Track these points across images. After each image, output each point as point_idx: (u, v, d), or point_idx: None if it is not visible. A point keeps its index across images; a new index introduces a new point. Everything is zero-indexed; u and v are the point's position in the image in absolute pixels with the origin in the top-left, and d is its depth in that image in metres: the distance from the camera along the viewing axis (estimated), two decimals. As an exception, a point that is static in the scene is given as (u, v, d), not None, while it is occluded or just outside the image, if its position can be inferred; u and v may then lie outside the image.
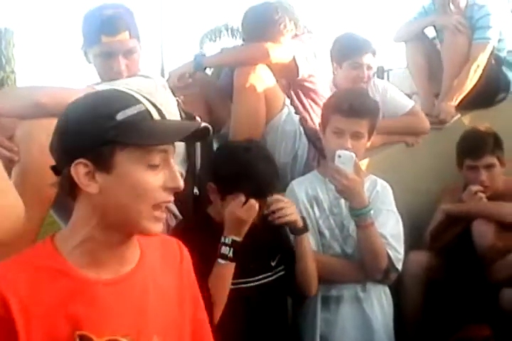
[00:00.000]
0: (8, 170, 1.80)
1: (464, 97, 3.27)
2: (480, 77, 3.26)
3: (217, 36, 18.57)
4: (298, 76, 2.62)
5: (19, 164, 1.77)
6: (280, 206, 1.91)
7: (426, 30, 3.60)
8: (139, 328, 1.19)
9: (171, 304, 1.28)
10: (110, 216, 1.15)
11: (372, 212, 2.03)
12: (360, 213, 2.01)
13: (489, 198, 2.58)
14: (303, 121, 2.64)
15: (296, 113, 2.64)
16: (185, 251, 1.39)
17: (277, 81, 2.58)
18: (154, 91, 2.10)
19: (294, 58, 2.57)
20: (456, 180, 2.85)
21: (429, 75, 3.54)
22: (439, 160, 3.10)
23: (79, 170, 1.13)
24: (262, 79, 2.47)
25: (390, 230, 2.13)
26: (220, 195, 1.89)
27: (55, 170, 1.21)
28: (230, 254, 1.79)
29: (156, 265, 1.29)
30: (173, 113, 2.15)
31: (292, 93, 2.72)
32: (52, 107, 1.81)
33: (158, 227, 1.18)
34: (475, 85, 3.26)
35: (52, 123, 1.79)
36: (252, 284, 1.90)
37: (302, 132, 2.59)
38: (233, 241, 1.81)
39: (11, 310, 1.08)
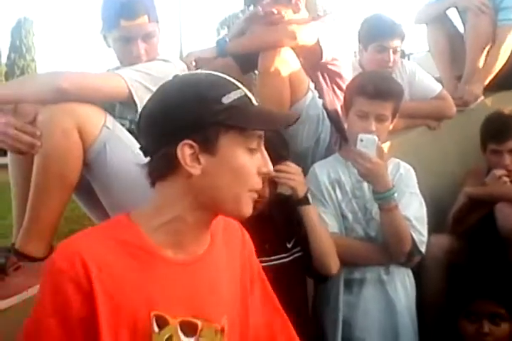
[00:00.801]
0: (30, 155, 1.83)
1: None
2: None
3: (234, 23, 18.53)
4: (322, 59, 2.60)
5: (41, 149, 1.78)
6: (284, 169, 1.91)
7: (448, 12, 3.54)
8: (208, 309, 1.21)
9: (237, 285, 1.30)
10: (205, 197, 1.17)
11: (396, 194, 2.01)
12: (384, 196, 1.99)
13: (512, 182, 2.55)
14: (325, 104, 2.61)
15: (319, 97, 2.62)
16: (247, 234, 1.40)
17: (301, 64, 2.56)
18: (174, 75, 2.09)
19: (318, 40, 2.54)
20: (479, 162, 2.82)
21: (451, 58, 3.50)
22: (462, 142, 3.07)
23: (185, 151, 1.14)
24: (287, 63, 2.45)
25: (414, 212, 2.11)
26: None
27: (145, 151, 1.21)
28: None
29: (223, 246, 1.30)
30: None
31: (320, 76, 2.70)
32: (73, 92, 1.83)
33: (250, 211, 1.20)
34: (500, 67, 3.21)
35: (73, 107, 1.83)
36: (266, 264, 1.88)
37: (325, 116, 2.57)
38: None
39: (93, 283, 1.09)
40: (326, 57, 2.60)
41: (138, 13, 2.07)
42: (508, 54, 3.22)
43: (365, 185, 2.09)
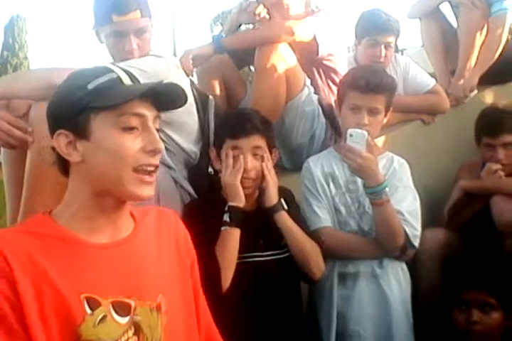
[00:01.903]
0: (24, 153, 1.82)
1: (483, 73, 3.23)
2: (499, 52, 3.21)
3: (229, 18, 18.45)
4: (318, 54, 2.59)
5: (34, 145, 1.77)
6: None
7: (441, 6, 3.54)
8: (141, 289, 1.23)
9: (172, 268, 1.32)
10: (98, 183, 1.20)
11: (387, 189, 2.01)
12: (375, 191, 1.99)
13: (507, 176, 2.55)
14: (321, 100, 2.61)
15: (315, 92, 2.61)
16: (181, 222, 1.43)
17: (297, 60, 2.55)
18: (167, 71, 2.09)
19: (314, 36, 2.54)
20: (473, 156, 2.82)
21: (445, 52, 3.50)
22: (456, 136, 3.08)
23: (60, 141, 1.20)
24: (283, 59, 2.45)
25: (407, 206, 2.11)
26: (219, 162, 1.96)
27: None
28: (227, 219, 1.85)
29: (151, 233, 1.33)
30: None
31: (315, 71, 2.69)
32: None
33: (146, 191, 1.21)
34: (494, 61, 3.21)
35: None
36: (260, 259, 1.91)
37: (320, 112, 2.57)
38: (230, 206, 1.87)
39: (14, 275, 1.10)
40: (321, 53, 2.59)
41: (130, 8, 2.07)
42: (501, 44, 3.22)
43: (359, 179, 2.09)
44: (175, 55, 2.52)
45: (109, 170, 1.18)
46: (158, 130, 1.24)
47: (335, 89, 2.65)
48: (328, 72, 2.72)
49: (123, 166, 1.18)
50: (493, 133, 2.61)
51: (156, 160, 1.22)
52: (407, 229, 2.07)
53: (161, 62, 2.11)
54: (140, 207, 1.34)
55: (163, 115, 2.00)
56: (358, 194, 2.15)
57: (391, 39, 2.92)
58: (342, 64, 2.75)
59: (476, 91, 3.30)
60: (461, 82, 3.27)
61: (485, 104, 3.13)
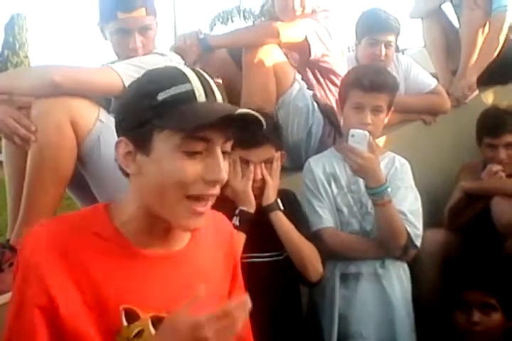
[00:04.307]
0: (24, 151, 1.82)
1: (484, 73, 3.22)
2: (500, 52, 3.21)
3: (229, 19, 18.36)
4: (310, 55, 2.59)
5: (35, 143, 1.77)
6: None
7: (443, 6, 3.54)
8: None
9: (217, 283, 1.26)
10: (149, 200, 1.12)
11: (389, 189, 2.00)
12: (376, 191, 1.98)
13: (508, 176, 2.55)
14: (316, 96, 2.60)
15: (309, 88, 2.60)
16: (233, 232, 1.38)
17: (288, 56, 2.55)
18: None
19: (306, 37, 2.53)
20: (474, 156, 2.82)
21: (447, 52, 3.50)
22: (458, 137, 3.08)
23: (119, 149, 1.11)
24: (270, 55, 2.44)
25: (409, 206, 2.10)
26: None
27: None
28: (236, 222, 1.83)
29: (210, 242, 1.26)
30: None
31: (309, 72, 2.69)
32: (66, 86, 1.82)
33: (196, 223, 1.11)
34: (495, 61, 3.21)
35: (67, 101, 1.82)
36: (263, 260, 1.91)
37: (316, 108, 2.56)
38: (241, 211, 1.87)
39: (55, 272, 1.06)
40: (315, 54, 2.58)
41: (135, 5, 2.07)
42: (500, 42, 3.21)
43: (361, 179, 2.09)
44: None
45: (161, 193, 1.08)
46: (226, 152, 1.11)
47: (334, 89, 2.65)
48: (326, 72, 2.71)
49: (178, 193, 1.07)
50: (494, 134, 2.61)
51: (215, 190, 1.10)
52: (409, 229, 2.06)
53: (164, 61, 2.10)
54: None
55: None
56: (360, 194, 2.14)
57: (391, 38, 2.92)
58: (340, 64, 2.75)
59: (477, 92, 3.29)
60: (462, 82, 3.26)
61: (486, 104, 3.13)
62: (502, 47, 3.23)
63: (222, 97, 1.12)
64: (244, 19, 17.58)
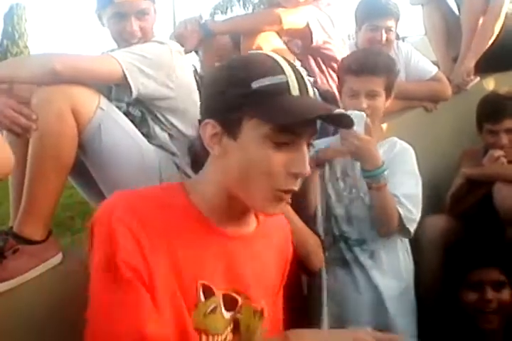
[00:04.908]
0: (26, 140, 1.81)
1: (485, 60, 3.22)
2: (500, 38, 3.20)
3: (228, 7, 18.31)
4: (312, 42, 2.58)
5: (36, 132, 1.77)
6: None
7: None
8: (252, 289, 1.19)
9: (274, 277, 1.28)
10: (230, 183, 1.13)
11: (386, 172, 1.98)
12: (373, 174, 1.96)
13: (510, 162, 2.55)
14: (317, 83, 2.60)
15: (311, 75, 2.60)
16: (290, 238, 1.39)
17: (291, 43, 2.54)
18: (170, 58, 2.08)
19: (307, 24, 2.52)
20: (475, 143, 2.82)
21: (447, 39, 3.49)
22: (459, 123, 3.08)
23: (206, 130, 1.13)
24: (268, 42, 2.45)
25: (404, 191, 2.06)
26: None
27: None
28: None
29: (271, 238, 1.28)
30: (186, 80, 2.13)
31: (311, 59, 2.68)
32: (67, 74, 1.81)
33: (277, 208, 1.13)
34: (495, 47, 3.20)
35: (67, 89, 1.81)
36: None
37: (316, 95, 2.56)
38: None
39: (145, 238, 1.06)
40: (316, 41, 2.58)
41: None
42: (498, 27, 3.20)
43: (358, 164, 2.07)
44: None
45: (245, 179, 1.10)
46: (310, 145, 1.13)
47: (335, 76, 2.64)
48: (328, 60, 2.71)
49: (261, 182, 1.09)
50: (495, 119, 2.61)
51: (296, 186, 1.11)
52: (400, 211, 2.03)
53: (164, 49, 2.09)
54: None
55: (166, 102, 2.03)
56: (356, 179, 2.11)
57: (391, 23, 2.90)
58: (342, 51, 2.74)
59: (478, 79, 3.29)
60: (462, 68, 3.26)
61: (487, 91, 3.12)
62: (502, 33, 3.22)
63: (314, 92, 1.14)
64: (244, 8, 17.54)
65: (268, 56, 1.12)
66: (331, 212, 2.16)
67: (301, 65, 2.61)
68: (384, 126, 2.59)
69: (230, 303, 1.15)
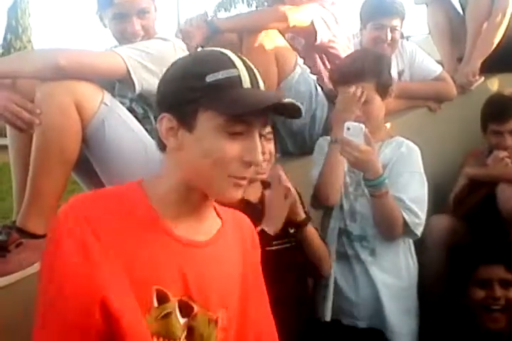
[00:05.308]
0: (29, 134, 1.81)
1: (489, 60, 3.21)
2: (506, 39, 3.19)
3: (232, 5, 18.28)
4: (316, 40, 2.57)
5: (40, 126, 1.77)
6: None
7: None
8: (208, 298, 1.19)
9: (237, 279, 1.28)
10: (188, 175, 1.16)
11: (387, 181, 1.98)
12: (374, 183, 1.96)
13: (514, 163, 2.56)
14: (322, 81, 2.59)
15: (312, 73, 2.59)
16: (255, 233, 1.39)
17: (294, 40, 2.53)
18: (173, 54, 2.07)
19: (312, 22, 2.52)
20: (479, 143, 2.82)
21: (452, 39, 3.48)
22: (462, 123, 3.07)
23: (162, 124, 1.16)
24: (271, 39, 2.44)
25: (411, 193, 2.06)
26: None
27: None
28: None
29: (229, 239, 1.28)
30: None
31: (317, 57, 2.68)
32: (70, 69, 1.81)
33: (236, 193, 1.15)
34: (500, 48, 3.19)
35: (71, 84, 1.81)
36: (269, 248, 1.86)
37: (319, 92, 2.55)
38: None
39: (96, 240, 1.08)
40: (321, 39, 2.57)
41: None
42: (503, 28, 3.20)
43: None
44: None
45: (201, 169, 1.13)
46: (263, 136, 1.18)
47: None
48: (332, 58, 2.70)
49: (216, 170, 1.12)
50: (500, 120, 2.61)
51: (249, 173, 1.15)
52: (407, 218, 2.03)
53: (167, 46, 2.09)
54: (221, 207, 1.29)
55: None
56: (360, 176, 2.09)
57: (396, 22, 2.89)
58: (347, 51, 2.73)
59: (482, 79, 3.28)
60: (466, 69, 3.25)
61: (491, 91, 3.13)
62: (507, 34, 3.21)
63: (264, 85, 1.18)
64: (248, 5, 17.51)
65: (221, 52, 1.17)
66: (336, 205, 2.16)
67: (306, 63, 2.60)
68: (387, 125, 2.59)
69: (186, 309, 1.16)
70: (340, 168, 2.08)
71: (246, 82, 1.14)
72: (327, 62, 2.73)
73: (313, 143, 2.31)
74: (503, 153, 2.55)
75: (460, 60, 3.41)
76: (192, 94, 1.11)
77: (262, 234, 1.74)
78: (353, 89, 2.05)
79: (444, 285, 2.32)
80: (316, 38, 2.56)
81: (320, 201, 2.12)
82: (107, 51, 2.13)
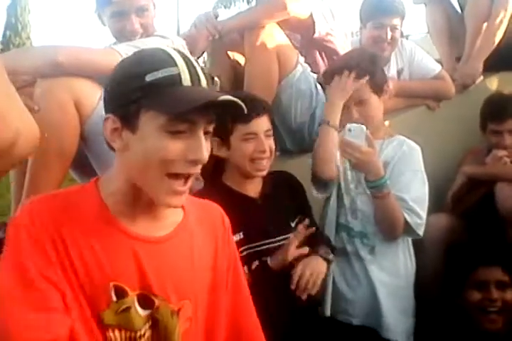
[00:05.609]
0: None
1: (488, 59, 3.21)
2: (504, 37, 3.19)
3: (232, 2, 18.26)
4: (314, 33, 2.57)
5: (39, 122, 1.76)
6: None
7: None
8: (169, 291, 1.20)
9: (206, 270, 1.29)
10: (132, 176, 1.16)
11: (388, 182, 1.98)
12: (375, 184, 1.97)
13: (513, 162, 2.56)
14: (321, 79, 2.59)
15: (313, 71, 2.59)
16: (228, 220, 1.39)
17: (291, 38, 2.53)
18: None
19: (311, 14, 2.52)
20: (478, 142, 2.82)
21: (450, 38, 3.48)
22: (461, 122, 3.07)
23: (107, 125, 1.16)
24: (273, 37, 2.44)
25: (413, 193, 2.07)
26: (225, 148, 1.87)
27: None
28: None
29: (196, 228, 1.29)
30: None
31: (317, 53, 2.67)
32: (69, 66, 1.82)
33: (176, 201, 1.16)
34: (499, 47, 3.19)
35: (70, 81, 1.82)
36: (272, 245, 1.87)
37: (320, 91, 2.55)
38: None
39: (52, 240, 1.11)
40: (319, 31, 2.57)
41: None
42: (504, 27, 3.19)
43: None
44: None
45: (144, 170, 1.13)
46: (208, 133, 1.17)
47: None
48: (330, 53, 2.70)
49: (159, 170, 1.12)
50: (499, 120, 2.61)
51: (195, 170, 1.15)
52: (409, 219, 2.03)
53: (166, 43, 2.09)
54: (189, 197, 1.28)
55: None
56: (361, 174, 2.09)
57: (396, 21, 2.89)
58: (344, 46, 2.74)
59: (481, 78, 3.28)
60: (466, 68, 3.25)
61: (490, 90, 3.12)
62: (506, 33, 3.21)
63: (207, 82, 1.17)
64: (247, 2, 17.48)
65: (161, 50, 1.17)
66: (340, 201, 2.17)
67: (306, 60, 2.60)
68: (386, 124, 2.59)
69: (146, 302, 1.18)
70: (331, 146, 2.07)
71: (186, 80, 1.13)
72: (325, 58, 2.73)
73: (312, 141, 2.31)
74: (502, 152, 2.55)
75: (459, 59, 3.40)
76: (133, 95, 1.12)
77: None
78: (346, 73, 2.06)
79: (441, 284, 2.32)
80: (314, 31, 2.55)
81: (316, 174, 2.12)
82: (106, 48, 2.13)
